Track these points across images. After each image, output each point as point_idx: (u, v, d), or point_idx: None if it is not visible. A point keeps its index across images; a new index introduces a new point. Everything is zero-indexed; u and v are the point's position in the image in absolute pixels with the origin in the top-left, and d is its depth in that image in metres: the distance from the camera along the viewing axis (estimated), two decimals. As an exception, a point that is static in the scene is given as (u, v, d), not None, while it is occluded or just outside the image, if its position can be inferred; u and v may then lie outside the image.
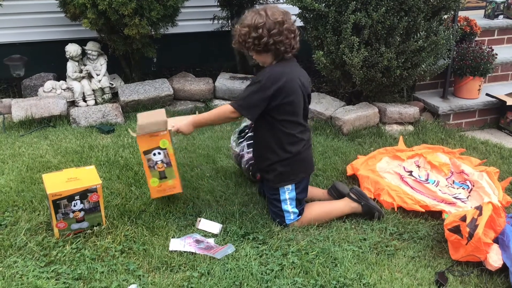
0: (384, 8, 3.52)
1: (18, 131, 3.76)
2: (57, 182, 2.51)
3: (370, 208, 2.79)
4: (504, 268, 2.36)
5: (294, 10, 4.03)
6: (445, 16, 3.97)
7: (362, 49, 3.62)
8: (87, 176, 2.58)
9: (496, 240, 2.47)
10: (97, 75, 4.24)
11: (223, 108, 2.62)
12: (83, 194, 2.49)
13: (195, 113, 4.13)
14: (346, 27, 3.57)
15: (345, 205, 2.81)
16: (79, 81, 4.19)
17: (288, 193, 2.66)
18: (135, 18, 3.86)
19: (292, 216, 2.69)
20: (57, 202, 2.45)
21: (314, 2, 3.66)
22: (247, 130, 3.09)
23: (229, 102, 2.62)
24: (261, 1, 4.67)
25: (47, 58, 4.42)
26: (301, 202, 2.72)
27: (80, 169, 2.68)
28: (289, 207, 2.67)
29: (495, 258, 2.39)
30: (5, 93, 4.29)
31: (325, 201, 2.89)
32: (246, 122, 3.12)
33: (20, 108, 3.87)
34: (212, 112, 2.68)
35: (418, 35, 3.66)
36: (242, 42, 2.51)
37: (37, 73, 4.42)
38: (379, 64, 3.69)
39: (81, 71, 4.21)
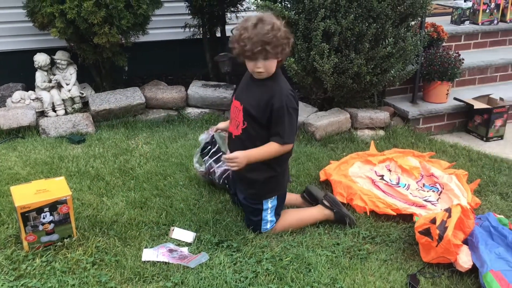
0: (352, 15, 3.57)
1: (-15, 142, 3.68)
2: (25, 194, 2.46)
3: (342, 216, 2.81)
4: (474, 269, 2.40)
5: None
6: (413, 23, 4.04)
7: (332, 55, 3.66)
8: (56, 188, 2.54)
9: (465, 242, 2.52)
10: (67, 84, 4.20)
11: (271, 147, 2.49)
12: (53, 206, 2.45)
13: (167, 121, 4.16)
14: (316, 34, 3.61)
15: (318, 212, 2.83)
16: (49, 91, 4.14)
17: (270, 202, 2.66)
18: (105, 26, 3.83)
19: (268, 225, 2.69)
20: (26, 214, 2.40)
21: (284, 10, 3.69)
22: (209, 147, 3.07)
23: (272, 140, 2.49)
24: (232, 9, 4.69)
25: (15, 68, 4.34)
26: (279, 209, 2.73)
27: (50, 181, 2.63)
28: (269, 216, 2.67)
29: (465, 259, 2.43)
30: (-28, 104, 4.20)
31: (299, 209, 2.90)
32: (206, 139, 3.08)
33: (-13, 119, 3.79)
34: (264, 150, 2.50)
35: (387, 41, 3.72)
36: (279, 45, 2.37)
37: (5, 83, 4.34)
38: (349, 70, 3.74)
39: (50, 81, 4.16)
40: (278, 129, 2.48)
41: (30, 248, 2.45)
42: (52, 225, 2.47)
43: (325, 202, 2.84)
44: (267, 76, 2.48)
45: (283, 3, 3.89)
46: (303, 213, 2.85)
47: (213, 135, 3.06)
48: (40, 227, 2.45)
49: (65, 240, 2.52)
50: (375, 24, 3.64)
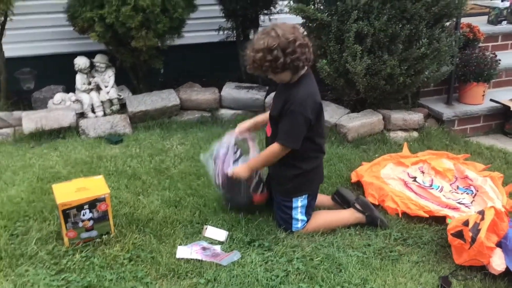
0: (386, 16, 3.57)
1: (28, 143, 3.84)
2: (66, 192, 2.57)
3: (374, 219, 2.82)
4: (507, 272, 2.38)
5: (297, 19, 4.11)
6: (448, 23, 4.01)
7: (365, 57, 3.67)
8: (95, 186, 2.64)
9: (499, 244, 2.50)
10: (105, 86, 4.32)
11: (272, 148, 2.61)
12: (92, 204, 2.55)
13: (201, 123, 4.24)
14: (349, 36, 3.62)
15: (350, 215, 2.85)
16: (88, 93, 4.28)
17: (300, 201, 2.71)
18: (142, 30, 3.94)
19: (299, 224, 2.73)
20: (67, 211, 2.51)
21: (317, 12, 3.72)
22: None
23: (275, 140, 2.59)
24: (265, 12, 4.74)
25: (56, 71, 4.51)
26: (310, 210, 2.76)
27: (89, 179, 2.74)
28: (299, 215, 2.72)
29: (498, 262, 2.41)
30: (16, 106, 4.37)
31: (331, 211, 2.92)
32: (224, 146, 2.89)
33: (30, 121, 3.95)
34: (263, 155, 2.67)
35: (421, 42, 3.70)
36: (258, 66, 2.46)
37: (46, 85, 4.51)
38: (382, 71, 3.73)
39: (89, 83, 4.30)
40: (282, 131, 2.58)
41: (70, 244, 2.56)
42: (91, 222, 2.57)
43: (357, 206, 2.86)
44: (293, 81, 2.57)
45: (315, 5, 3.91)
46: (334, 215, 2.87)
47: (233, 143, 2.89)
48: (80, 224, 2.55)
49: (104, 236, 2.62)
50: (408, 25, 3.63)
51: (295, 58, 2.44)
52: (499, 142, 4.16)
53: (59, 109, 4.16)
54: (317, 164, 2.75)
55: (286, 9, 4.07)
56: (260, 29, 4.85)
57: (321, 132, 2.70)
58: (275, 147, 2.59)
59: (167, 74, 5.04)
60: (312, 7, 3.83)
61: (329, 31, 3.73)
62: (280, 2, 4.63)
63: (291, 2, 3.96)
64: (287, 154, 2.61)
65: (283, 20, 4.28)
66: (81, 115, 4.26)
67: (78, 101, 4.27)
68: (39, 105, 4.36)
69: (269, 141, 2.70)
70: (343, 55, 3.72)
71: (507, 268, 2.38)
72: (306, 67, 2.54)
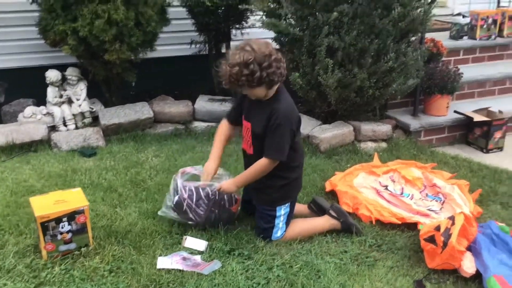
0: (355, 31, 3.70)
1: (-1, 156, 3.78)
2: (44, 205, 2.55)
3: (349, 225, 2.91)
4: (477, 274, 2.49)
5: (268, 34, 4.21)
6: (413, 38, 4.18)
7: (336, 70, 3.78)
8: (74, 198, 2.63)
9: (469, 248, 2.61)
10: (77, 99, 4.30)
11: (260, 164, 2.64)
12: (71, 216, 2.54)
13: (175, 135, 4.27)
14: (321, 50, 3.74)
15: (325, 222, 2.93)
16: (59, 106, 4.24)
17: (283, 209, 2.77)
18: (115, 43, 3.95)
19: (279, 233, 2.79)
20: (45, 224, 2.49)
21: (289, 27, 3.83)
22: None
23: (264, 156, 2.63)
24: (237, 26, 4.82)
25: (26, 84, 4.46)
26: (290, 218, 2.83)
27: (67, 192, 2.73)
28: (281, 223, 2.78)
29: (468, 265, 2.52)
30: (-16, 120, 4.31)
31: (307, 219, 2.99)
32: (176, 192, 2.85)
33: (0, 134, 3.89)
34: (251, 171, 2.69)
35: (388, 56, 3.85)
36: (234, 81, 2.50)
37: (16, 99, 4.45)
38: (353, 84, 3.86)
39: (61, 96, 4.26)
40: (270, 145, 2.62)
41: (49, 257, 2.54)
42: (70, 234, 2.56)
43: (332, 212, 2.94)
44: (267, 97, 2.62)
45: (287, 20, 4.02)
46: (311, 222, 2.94)
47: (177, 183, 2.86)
48: (59, 237, 2.54)
49: (82, 249, 2.61)
50: (377, 40, 3.77)
51: (271, 73, 2.50)
52: (463, 152, 4.33)
53: (30, 122, 4.11)
54: (300, 172, 2.84)
55: (258, 24, 4.16)
56: (232, 43, 4.93)
57: (300, 142, 2.79)
58: (264, 162, 2.63)
59: (139, 87, 5.03)
60: (284, 22, 3.93)
61: (301, 45, 3.84)
62: (252, 17, 4.72)
63: (264, 17, 4.05)
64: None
65: (254, 34, 4.40)
66: (53, 128, 4.21)
67: (49, 114, 4.23)
68: (9, 119, 4.30)
69: (252, 158, 2.72)
70: (315, 68, 3.84)
71: (477, 271, 2.49)
72: (279, 82, 2.61)
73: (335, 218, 2.92)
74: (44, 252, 2.53)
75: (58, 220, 2.51)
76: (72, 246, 2.59)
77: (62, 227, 2.53)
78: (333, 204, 3.02)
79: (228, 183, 2.76)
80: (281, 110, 2.58)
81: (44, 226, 2.49)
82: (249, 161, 2.77)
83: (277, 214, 2.75)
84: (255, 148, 2.72)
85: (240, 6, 4.38)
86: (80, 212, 2.56)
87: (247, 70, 2.46)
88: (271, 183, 2.72)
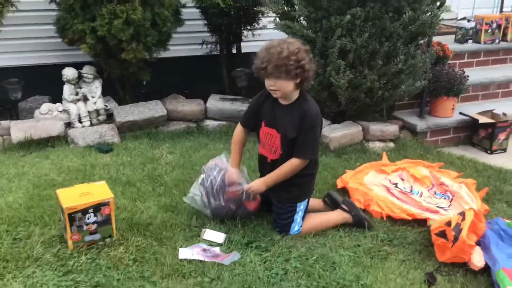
0: (367, 34, 3.81)
1: (18, 151, 3.88)
2: (71, 197, 2.65)
3: (360, 219, 3.02)
4: (486, 267, 2.60)
5: (279, 35, 4.30)
6: (421, 41, 4.29)
7: (347, 71, 3.89)
8: (99, 191, 2.73)
9: (478, 243, 2.72)
10: (93, 97, 4.40)
11: (292, 164, 2.73)
12: (97, 208, 2.64)
13: (187, 133, 4.37)
14: (333, 51, 3.85)
15: (337, 215, 3.03)
16: (75, 103, 4.34)
17: (303, 204, 2.89)
18: (132, 43, 4.06)
19: (296, 227, 2.89)
20: (72, 215, 2.59)
21: (302, 29, 3.93)
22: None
23: (296, 156, 2.72)
24: (249, 27, 4.93)
25: (42, 82, 4.56)
26: (305, 214, 2.94)
27: (92, 184, 2.83)
28: (299, 218, 2.89)
29: (478, 259, 2.63)
30: (1, 115, 4.40)
31: (320, 213, 3.10)
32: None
33: (19, 130, 3.99)
34: (282, 171, 2.76)
35: (398, 58, 3.95)
36: (282, 65, 2.52)
37: (32, 96, 4.55)
38: (363, 85, 3.97)
39: (77, 94, 4.37)
40: (303, 146, 2.72)
41: (75, 247, 2.64)
42: (95, 225, 2.66)
43: (344, 206, 3.05)
44: (290, 101, 2.72)
45: (300, 22, 4.13)
46: (324, 216, 3.05)
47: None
48: (85, 227, 2.64)
49: (106, 240, 2.71)
50: (387, 43, 3.88)
51: (310, 68, 2.62)
52: (468, 153, 4.44)
53: (46, 118, 4.21)
54: (317, 170, 2.97)
55: (269, 26, 4.26)
56: (243, 44, 5.04)
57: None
58: (296, 162, 2.73)
59: (150, 86, 5.14)
60: (298, 24, 4.04)
61: (314, 47, 3.94)
62: (263, 19, 4.83)
63: (277, 19, 4.16)
64: None
65: (266, 35, 4.50)
66: (68, 125, 4.31)
67: (65, 111, 4.33)
68: (25, 115, 4.40)
69: (277, 163, 2.80)
70: (327, 69, 3.94)
71: (486, 264, 2.60)
72: (309, 84, 2.71)
73: (347, 212, 3.03)
74: (70, 242, 2.63)
75: (85, 211, 2.61)
76: (97, 236, 2.69)
77: (88, 218, 2.63)
78: (345, 199, 3.13)
79: (258, 183, 2.83)
80: (313, 110, 2.69)
81: (71, 217, 2.59)
82: (271, 166, 2.84)
83: (298, 209, 2.86)
84: (283, 153, 2.77)
85: (255, 8, 4.48)
86: (106, 204, 2.66)
87: (295, 56, 2.53)
88: (297, 181, 2.82)
